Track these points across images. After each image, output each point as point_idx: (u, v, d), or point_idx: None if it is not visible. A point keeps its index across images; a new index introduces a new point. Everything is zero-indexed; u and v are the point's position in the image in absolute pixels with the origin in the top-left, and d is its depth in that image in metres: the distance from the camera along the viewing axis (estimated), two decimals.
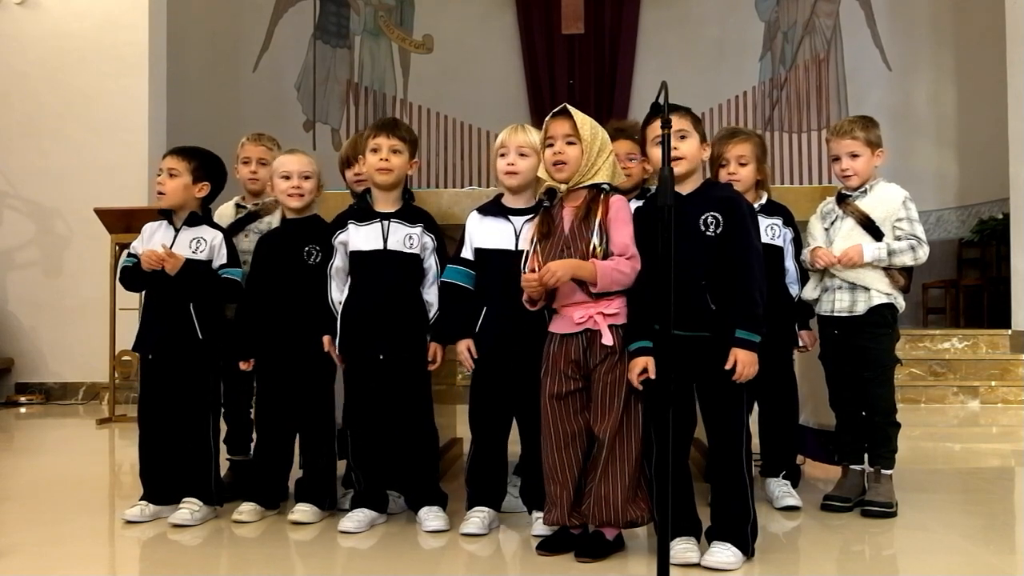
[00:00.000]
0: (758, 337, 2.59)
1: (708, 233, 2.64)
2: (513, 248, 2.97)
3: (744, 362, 2.56)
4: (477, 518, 2.98)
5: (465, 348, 3.01)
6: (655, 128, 2.69)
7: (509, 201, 3.08)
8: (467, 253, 3.06)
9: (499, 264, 2.96)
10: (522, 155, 3.02)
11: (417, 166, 3.25)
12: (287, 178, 3.25)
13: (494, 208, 3.09)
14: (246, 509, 3.20)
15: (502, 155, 3.05)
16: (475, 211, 3.12)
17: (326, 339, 3.14)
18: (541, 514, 2.89)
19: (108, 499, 3.80)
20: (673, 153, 2.65)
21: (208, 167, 3.31)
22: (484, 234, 3.05)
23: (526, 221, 2.99)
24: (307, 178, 3.26)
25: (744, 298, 2.60)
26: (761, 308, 2.61)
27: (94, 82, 7.43)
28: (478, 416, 3.08)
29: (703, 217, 2.65)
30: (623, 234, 2.71)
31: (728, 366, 2.56)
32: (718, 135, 3.50)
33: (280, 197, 3.32)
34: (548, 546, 2.76)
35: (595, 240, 2.69)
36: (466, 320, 3.02)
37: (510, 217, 3.03)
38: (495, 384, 3.02)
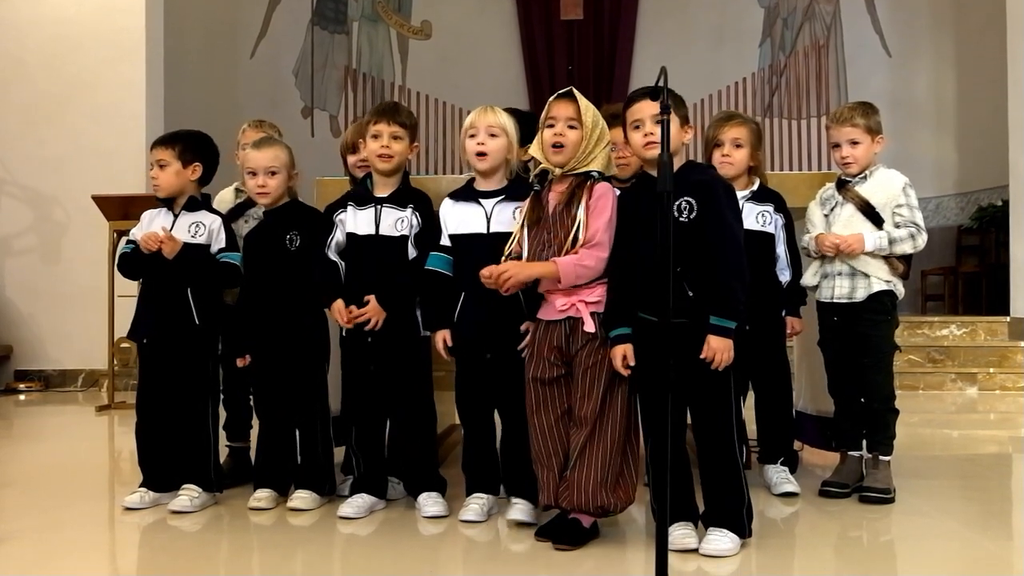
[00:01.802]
0: (733, 323, 2.57)
1: (682, 219, 2.62)
2: (485, 231, 2.97)
3: (717, 348, 2.55)
4: (476, 504, 2.99)
5: (441, 339, 3.01)
6: (634, 112, 2.71)
7: (480, 184, 3.06)
8: (445, 240, 3.05)
9: (472, 248, 2.95)
10: (492, 135, 2.99)
11: (417, 149, 3.24)
12: (253, 175, 3.25)
13: (464, 193, 3.08)
14: (263, 496, 3.20)
15: (471, 136, 3.01)
16: (447, 197, 3.12)
17: (335, 306, 3.07)
18: (520, 500, 2.91)
19: (107, 486, 3.81)
20: (650, 137, 2.65)
21: (194, 147, 3.28)
22: (456, 220, 3.04)
23: (497, 203, 2.98)
24: (273, 174, 3.24)
25: (717, 284, 2.59)
26: (738, 293, 2.59)
27: (91, 68, 7.39)
28: (465, 404, 3.07)
29: (677, 203, 2.63)
30: (597, 223, 2.71)
31: (703, 355, 2.55)
32: (714, 118, 3.51)
33: (250, 193, 3.33)
34: (546, 532, 2.74)
35: (578, 228, 2.70)
36: (445, 310, 3.01)
37: (480, 201, 3.02)
38: (478, 371, 3.01)
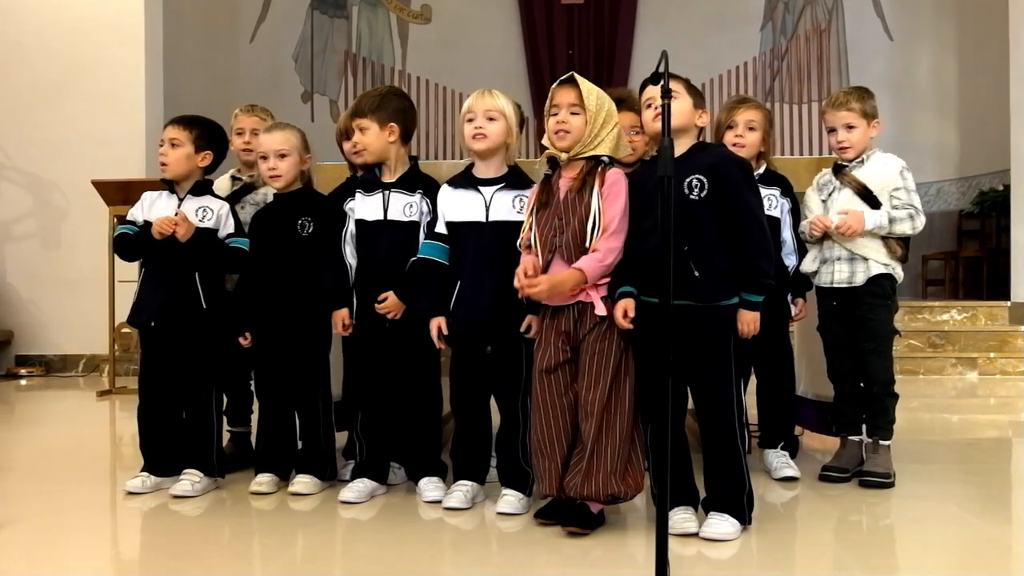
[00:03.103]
0: (760, 296, 2.65)
1: (692, 196, 2.62)
2: (484, 220, 2.94)
3: (746, 321, 2.64)
4: (460, 492, 2.98)
5: (436, 327, 2.97)
6: (646, 93, 2.73)
7: (479, 171, 3.03)
8: (440, 227, 3.02)
9: (471, 236, 2.93)
10: (490, 119, 2.95)
11: (396, 129, 3.13)
12: (265, 158, 3.24)
13: (464, 180, 3.04)
14: (264, 480, 3.21)
15: (469, 120, 2.97)
16: (445, 184, 3.08)
17: (339, 314, 3.12)
18: (510, 492, 2.91)
19: (109, 470, 3.82)
20: (659, 110, 2.64)
21: (210, 136, 3.28)
22: (454, 207, 3.01)
23: (496, 191, 2.96)
24: (283, 156, 3.22)
25: (745, 260, 2.63)
26: (766, 267, 2.67)
27: (90, 52, 7.36)
28: (460, 393, 3.06)
29: (688, 180, 2.63)
30: (613, 210, 2.68)
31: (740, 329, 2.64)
32: (728, 102, 3.52)
33: (263, 177, 3.32)
34: (546, 514, 2.75)
35: (594, 216, 2.67)
36: (440, 298, 2.98)
37: (480, 188, 2.99)
38: (475, 362, 2.99)
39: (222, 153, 3.34)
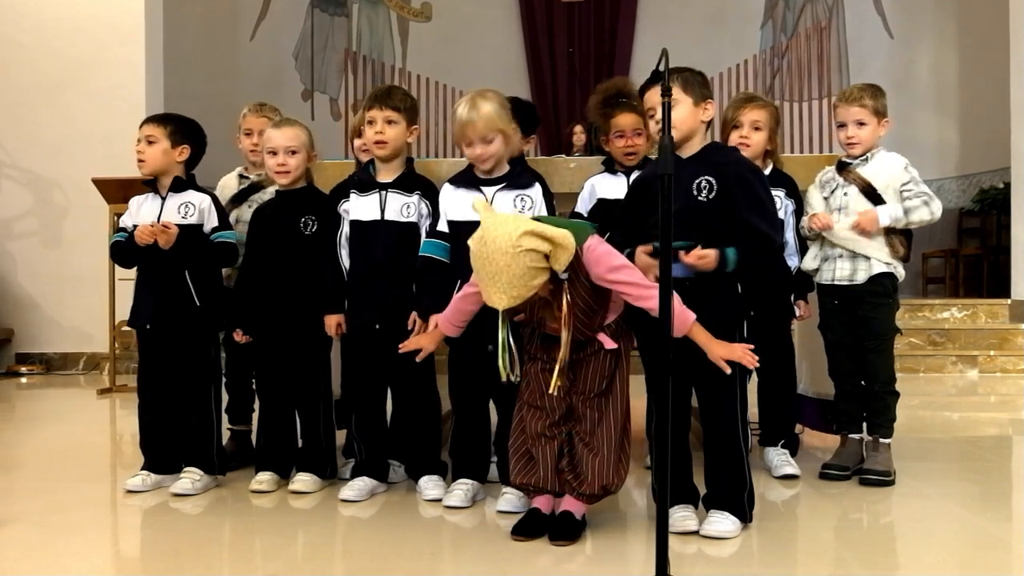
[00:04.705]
0: (733, 265, 2.55)
1: (700, 198, 2.61)
2: None
3: (707, 253, 2.52)
4: (460, 491, 2.97)
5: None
6: (646, 101, 2.70)
7: (481, 171, 3.04)
8: (442, 226, 3.02)
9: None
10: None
11: (418, 132, 3.20)
12: (274, 154, 3.22)
13: (465, 178, 3.04)
14: (264, 479, 3.21)
15: None
16: (447, 182, 3.08)
17: (333, 319, 3.12)
18: (510, 490, 2.87)
19: (109, 468, 3.82)
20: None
21: (186, 130, 3.26)
22: (456, 206, 3.00)
23: (498, 190, 2.95)
24: (293, 153, 3.21)
25: (756, 235, 2.60)
26: (767, 256, 2.67)
27: (91, 51, 7.37)
28: (459, 391, 3.06)
29: (697, 181, 2.61)
30: (626, 274, 2.50)
31: (691, 252, 2.52)
32: (734, 100, 3.50)
33: (269, 172, 3.30)
34: (522, 530, 2.63)
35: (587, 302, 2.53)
36: (440, 296, 2.96)
37: (481, 187, 2.99)
38: (476, 360, 2.97)
39: (200, 148, 3.32)
